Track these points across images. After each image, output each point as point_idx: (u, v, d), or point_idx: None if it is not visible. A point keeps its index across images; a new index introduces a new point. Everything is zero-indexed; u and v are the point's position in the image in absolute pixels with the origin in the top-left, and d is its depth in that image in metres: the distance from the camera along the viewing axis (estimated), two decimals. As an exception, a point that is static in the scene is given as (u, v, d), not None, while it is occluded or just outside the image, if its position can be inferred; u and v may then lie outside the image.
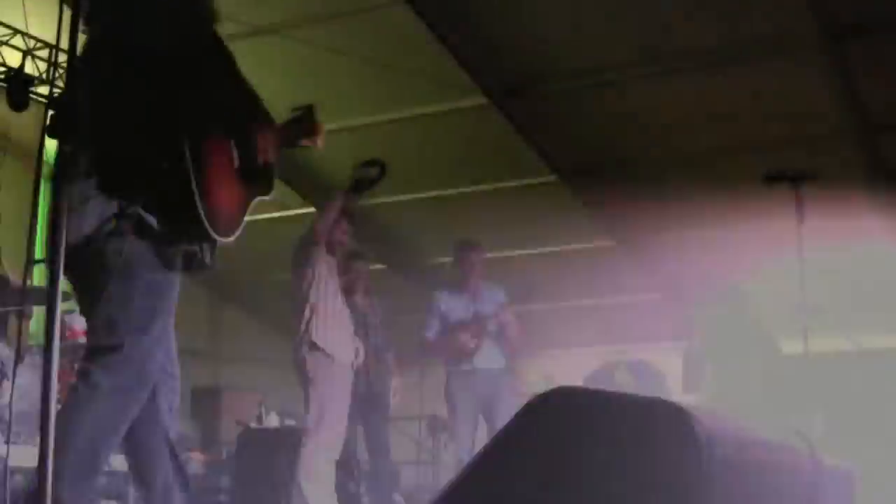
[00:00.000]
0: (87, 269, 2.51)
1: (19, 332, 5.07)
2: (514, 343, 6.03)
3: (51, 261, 2.19)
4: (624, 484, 2.04)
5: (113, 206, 2.46)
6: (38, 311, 6.29)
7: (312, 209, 7.74)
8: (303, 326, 5.08)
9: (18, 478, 4.29)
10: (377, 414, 6.13)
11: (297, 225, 6.20)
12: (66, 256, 2.48)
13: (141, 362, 2.47)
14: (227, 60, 2.65)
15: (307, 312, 5.09)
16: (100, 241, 2.45)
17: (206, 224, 2.43)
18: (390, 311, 6.44)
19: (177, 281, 2.61)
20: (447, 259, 6.28)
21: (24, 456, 4.01)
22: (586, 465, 2.09)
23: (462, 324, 5.98)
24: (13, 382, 4.71)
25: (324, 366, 5.01)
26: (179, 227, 2.45)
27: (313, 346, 5.02)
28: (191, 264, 2.60)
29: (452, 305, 6.09)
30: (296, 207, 8.17)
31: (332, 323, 5.12)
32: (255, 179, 2.73)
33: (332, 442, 4.95)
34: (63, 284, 2.22)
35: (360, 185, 4.93)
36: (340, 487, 5.23)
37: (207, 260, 2.63)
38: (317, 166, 7.73)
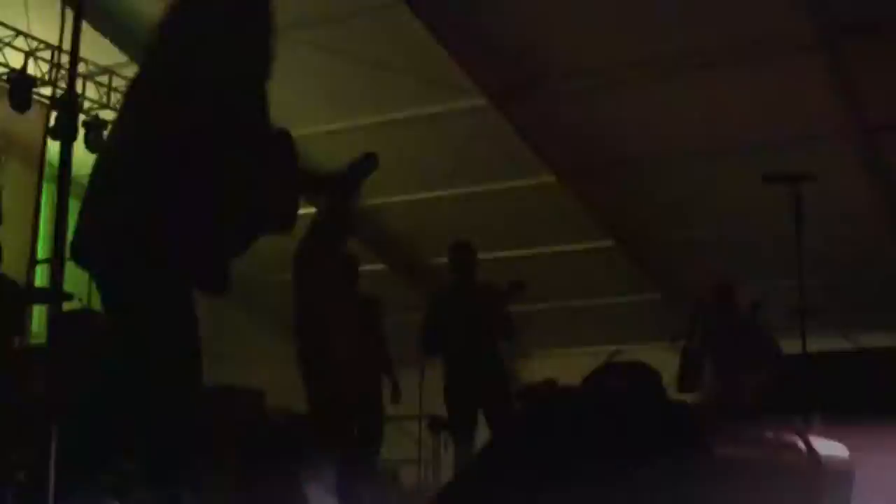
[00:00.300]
0: (107, 260, 2.53)
1: (22, 332, 5.10)
2: (511, 341, 6.07)
3: (53, 261, 2.21)
4: (623, 483, 2.05)
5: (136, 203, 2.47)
6: (40, 311, 6.33)
7: (313, 209, 7.75)
8: (306, 325, 5.09)
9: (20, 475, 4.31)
10: (370, 416, 6.12)
11: (298, 225, 6.21)
12: (87, 249, 2.50)
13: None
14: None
15: (310, 311, 5.09)
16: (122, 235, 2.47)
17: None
18: (389, 311, 6.44)
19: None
20: (446, 259, 6.29)
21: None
22: (585, 465, 2.10)
23: (458, 322, 5.99)
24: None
25: (328, 364, 5.02)
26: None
27: (317, 345, 5.03)
28: (206, 285, 2.63)
29: (448, 305, 6.10)
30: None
31: (336, 321, 5.13)
32: None
33: (335, 440, 4.97)
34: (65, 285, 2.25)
35: (354, 178, 4.88)
36: (341, 486, 5.25)
37: (219, 284, 2.64)
38: (318, 168, 7.75)
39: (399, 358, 6.44)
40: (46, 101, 7.35)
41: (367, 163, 4.25)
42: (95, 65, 7.58)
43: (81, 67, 7.15)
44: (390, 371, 6.34)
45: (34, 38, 7.14)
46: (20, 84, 7.06)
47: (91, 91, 7.79)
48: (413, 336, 6.26)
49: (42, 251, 7.02)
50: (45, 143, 7.28)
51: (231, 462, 6.46)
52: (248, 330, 9.79)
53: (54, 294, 2.18)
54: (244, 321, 9.79)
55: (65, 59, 6.85)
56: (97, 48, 7.06)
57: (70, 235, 2.43)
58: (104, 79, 7.79)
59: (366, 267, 6.52)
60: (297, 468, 4.92)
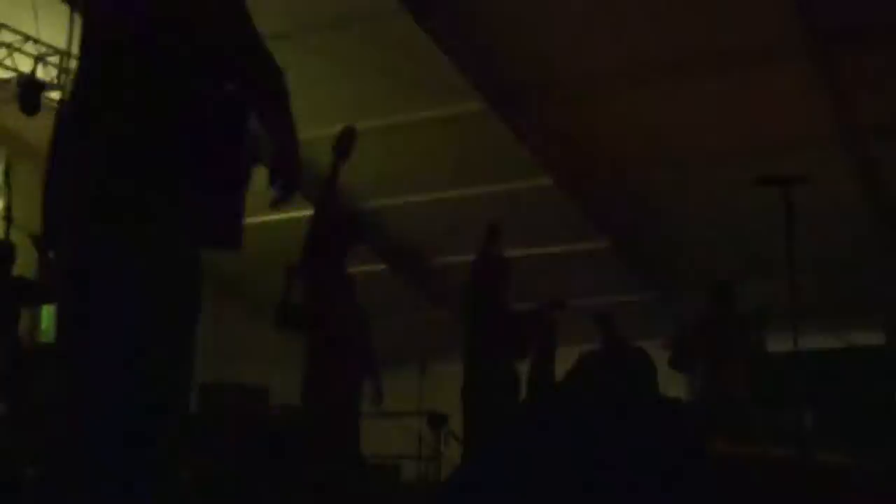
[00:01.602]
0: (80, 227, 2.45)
1: (31, 331, 5.19)
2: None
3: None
4: (620, 478, 2.13)
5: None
6: (48, 310, 6.44)
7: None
8: (311, 320, 5.13)
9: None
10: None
11: (300, 225, 6.29)
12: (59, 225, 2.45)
13: None
14: None
15: (315, 307, 5.13)
16: None
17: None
18: (389, 311, 6.51)
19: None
20: (446, 259, 6.37)
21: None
22: (583, 462, 2.18)
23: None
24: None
25: (331, 361, 5.06)
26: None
27: (321, 341, 5.07)
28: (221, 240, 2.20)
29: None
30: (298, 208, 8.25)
31: (341, 316, 5.17)
32: None
33: (337, 437, 5.01)
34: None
35: (341, 153, 4.96)
36: (342, 482, 5.31)
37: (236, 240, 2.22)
38: (319, 170, 7.83)
39: (400, 356, 6.51)
40: (55, 105, 7.45)
41: (348, 135, 4.42)
42: (102, 69, 7.68)
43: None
44: (376, 378, 6.31)
45: (43, 44, 7.24)
46: (29, 88, 7.15)
47: (98, 95, 7.89)
48: (413, 336, 6.35)
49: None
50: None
51: (234, 457, 6.56)
52: (253, 326, 9.85)
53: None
54: (249, 318, 9.87)
55: (73, 63, 6.96)
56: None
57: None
58: (111, 83, 7.90)
59: (367, 268, 6.59)
60: (299, 463, 4.98)
